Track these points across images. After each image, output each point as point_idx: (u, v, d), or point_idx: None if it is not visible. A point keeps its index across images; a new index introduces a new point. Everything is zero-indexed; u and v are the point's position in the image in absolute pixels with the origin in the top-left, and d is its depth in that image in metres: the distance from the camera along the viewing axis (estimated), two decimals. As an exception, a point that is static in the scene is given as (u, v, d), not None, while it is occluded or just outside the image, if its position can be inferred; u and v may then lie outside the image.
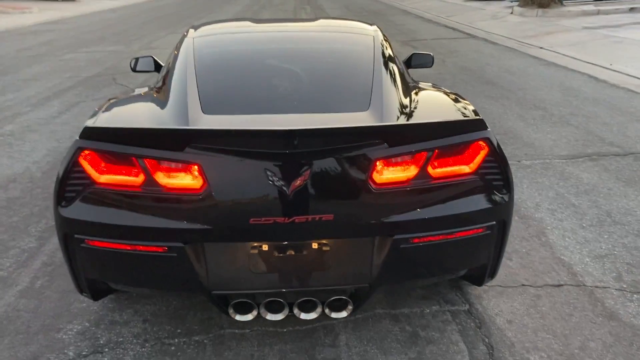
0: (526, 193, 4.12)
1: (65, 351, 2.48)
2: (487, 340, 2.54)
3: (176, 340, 2.55)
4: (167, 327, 2.64)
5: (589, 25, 13.14)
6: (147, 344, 2.52)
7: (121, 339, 2.56)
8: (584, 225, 3.62)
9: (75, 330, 2.63)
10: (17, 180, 4.54)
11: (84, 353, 2.47)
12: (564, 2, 16.67)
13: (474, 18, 16.63)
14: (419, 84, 3.09)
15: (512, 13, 16.61)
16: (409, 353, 2.46)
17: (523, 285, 2.95)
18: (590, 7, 15.97)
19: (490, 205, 2.25)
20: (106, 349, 2.50)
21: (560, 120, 6.07)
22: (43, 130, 6.00)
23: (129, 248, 2.12)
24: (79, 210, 2.13)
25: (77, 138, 2.10)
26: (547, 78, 8.30)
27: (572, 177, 4.45)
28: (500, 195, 2.27)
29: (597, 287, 2.93)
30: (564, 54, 10.04)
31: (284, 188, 1.99)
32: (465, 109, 2.54)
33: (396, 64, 2.97)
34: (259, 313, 2.29)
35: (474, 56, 10.44)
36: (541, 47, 10.92)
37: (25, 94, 7.81)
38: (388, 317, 2.70)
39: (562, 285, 2.95)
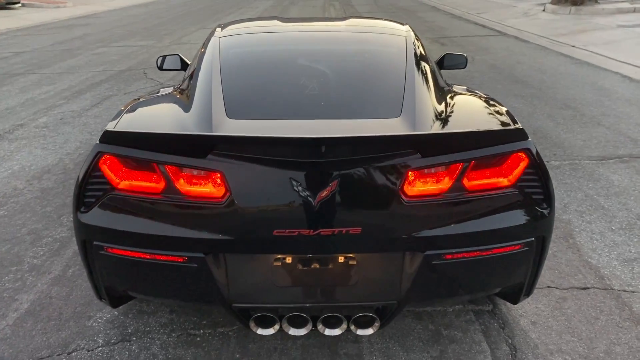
0: (554, 194, 4.06)
1: (95, 338, 2.56)
2: (510, 340, 2.53)
3: (201, 331, 2.61)
4: (193, 318, 2.69)
5: (624, 23, 12.82)
6: (173, 334, 2.59)
7: (148, 329, 2.63)
8: (613, 228, 3.57)
9: (104, 318, 2.70)
10: (51, 171, 4.67)
11: (112, 341, 2.54)
12: (598, -1, 16.29)
13: (505, 15, 16.38)
14: (452, 87, 2.99)
15: (544, 10, 16.31)
16: (431, 351, 2.47)
17: (548, 287, 2.92)
18: (626, 5, 15.58)
19: (529, 221, 2.14)
20: (134, 338, 2.57)
21: (591, 120, 5.97)
22: (76, 123, 6.15)
23: (148, 257, 2.08)
24: (98, 217, 2.10)
25: (97, 142, 2.06)
26: (579, 77, 8.15)
27: (602, 178, 4.38)
28: (541, 210, 2.16)
29: (625, 291, 2.89)
30: (597, 53, 9.83)
31: (310, 198, 1.93)
32: (502, 116, 2.43)
33: (429, 66, 2.86)
34: (281, 327, 2.22)
35: (504, 54, 10.30)
36: (573, 46, 10.71)
37: (59, 87, 8.00)
38: (411, 315, 2.71)
39: (588, 288, 2.91)
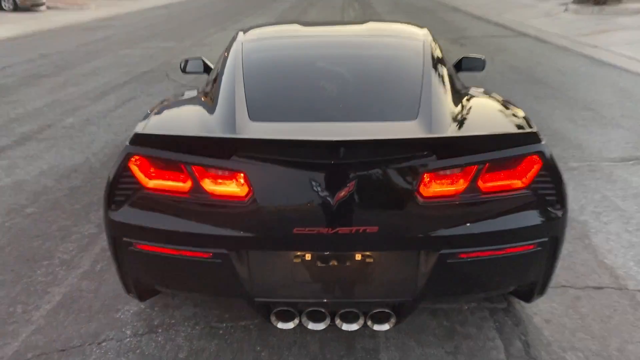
0: (571, 195, 4.08)
1: (124, 330, 2.68)
2: (523, 337, 2.58)
3: (224, 324, 2.71)
4: (216, 312, 2.80)
5: (648, 23, 12.68)
6: (197, 327, 2.70)
7: (173, 321, 2.74)
8: (630, 229, 3.59)
9: (132, 311, 2.83)
10: (78, 170, 4.83)
11: (140, 332, 2.66)
12: (621, -1, 16.12)
13: (526, 15, 16.28)
14: (469, 89, 3.05)
15: (566, 10, 16.18)
16: (446, 347, 2.54)
17: (563, 286, 2.97)
18: (650, 4, 15.38)
19: (542, 222, 2.19)
20: (160, 330, 2.68)
21: (610, 122, 5.96)
22: (101, 123, 6.32)
23: (175, 253, 2.19)
24: (127, 214, 2.20)
25: (127, 144, 2.17)
26: (600, 78, 8.10)
27: (620, 180, 4.39)
28: (554, 211, 2.21)
29: (639, 291, 2.92)
30: (619, 54, 9.76)
31: (329, 198, 2.00)
32: (518, 119, 2.49)
33: (446, 70, 2.93)
34: (300, 322, 2.31)
35: (524, 55, 10.27)
36: (595, 46, 10.64)
37: (84, 88, 8.21)
38: (426, 312, 2.77)
39: (603, 287, 2.95)
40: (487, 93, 3.05)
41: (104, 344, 2.59)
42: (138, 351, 2.54)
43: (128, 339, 2.62)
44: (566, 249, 3.32)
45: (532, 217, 2.20)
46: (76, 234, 3.64)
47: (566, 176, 4.34)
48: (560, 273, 3.07)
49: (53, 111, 6.90)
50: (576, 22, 14.01)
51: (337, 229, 2.05)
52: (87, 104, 7.25)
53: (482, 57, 4.21)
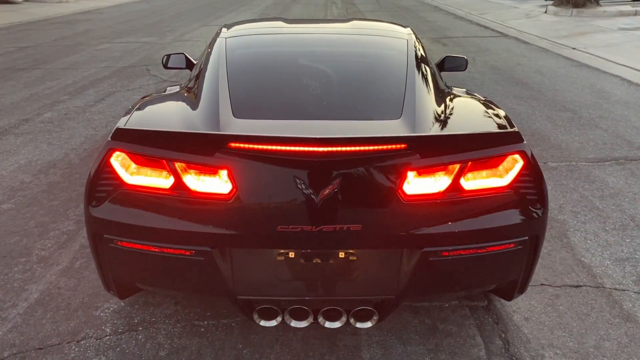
0: (551, 195, 4.16)
1: (103, 328, 2.65)
2: (503, 335, 2.62)
3: (205, 322, 2.69)
4: (197, 310, 2.78)
5: (625, 26, 12.90)
6: (178, 325, 2.67)
7: (154, 319, 2.71)
8: (607, 228, 3.65)
9: (111, 309, 2.79)
10: (57, 165, 4.76)
11: (119, 330, 2.63)
12: (600, 2, 16.37)
13: (507, 16, 16.45)
14: (452, 89, 3.08)
15: (546, 12, 16.38)
16: (427, 344, 2.56)
17: (542, 284, 3.01)
18: (628, 8, 15.65)
19: (523, 221, 2.21)
20: (140, 328, 2.65)
21: (589, 122, 6.05)
22: (80, 119, 6.22)
23: (156, 250, 2.16)
24: (108, 211, 2.17)
25: (109, 139, 2.16)
26: (578, 80, 8.23)
27: (598, 180, 4.46)
28: (534, 210, 2.24)
29: (616, 289, 2.97)
30: (597, 56, 9.91)
31: (313, 196, 2.01)
32: (500, 119, 2.52)
33: (430, 69, 2.95)
34: (283, 319, 2.30)
35: (505, 55, 10.38)
36: (574, 48, 10.79)
37: (63, 82, 8.08)
38: (408, 310, 2.79)
39: (581, 286, 3.00)
40: (470, 93, 3.07)
41: (82, 342, 2.56)
42: (118, 349, 2.51)
43: (108, 337, 2.59)
44: (545, 247, 3.37)
45: (513, 216, 2.22)
46: (54, 231, 3.59)
47: (545, 176, 4.42)
48: (540, 271, 3.11)
49: (31, 105, 6.77)
50: (555, 24, 14.20)
51: (321, 226, 2.05)
52: (65, 98, 7.14)
53: (465, 56, 4.25)
